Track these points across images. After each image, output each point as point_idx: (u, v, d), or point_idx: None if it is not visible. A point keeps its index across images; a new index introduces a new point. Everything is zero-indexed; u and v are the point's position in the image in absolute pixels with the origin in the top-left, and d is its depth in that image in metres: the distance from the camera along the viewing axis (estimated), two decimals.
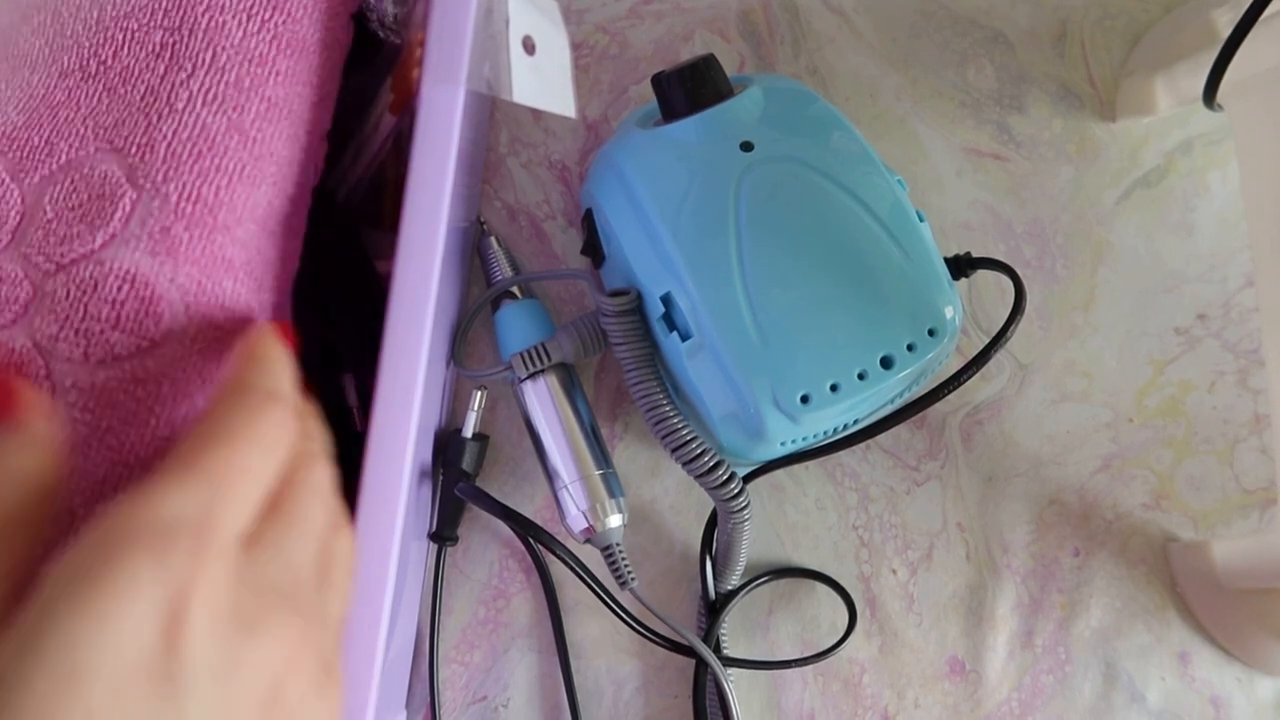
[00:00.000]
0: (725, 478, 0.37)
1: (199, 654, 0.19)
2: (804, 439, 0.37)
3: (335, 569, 0.25)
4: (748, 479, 0.41)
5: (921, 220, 0.38)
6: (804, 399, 0.35)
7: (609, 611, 0.41)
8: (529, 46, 0.30)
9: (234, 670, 0.20)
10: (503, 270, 0.43)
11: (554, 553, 0.40)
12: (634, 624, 0.41)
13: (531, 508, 0.43)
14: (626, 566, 0.40)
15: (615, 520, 0.40)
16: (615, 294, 0.37)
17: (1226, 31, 0.38)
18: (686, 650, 0.41)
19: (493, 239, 0.43)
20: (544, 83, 0.30)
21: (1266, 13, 0.37)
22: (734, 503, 0.38)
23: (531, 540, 0.42)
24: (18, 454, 0.22)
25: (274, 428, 0.23)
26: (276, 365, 0.25)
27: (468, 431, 0.41)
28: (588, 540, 0.40)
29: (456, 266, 0.39)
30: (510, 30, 0.29)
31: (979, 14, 0.47)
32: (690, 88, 0.38)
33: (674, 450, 0.37)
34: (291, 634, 0.22)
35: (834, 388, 0.35)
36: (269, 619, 0.21)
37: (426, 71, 0.29)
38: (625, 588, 0.40)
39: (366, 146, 0.38)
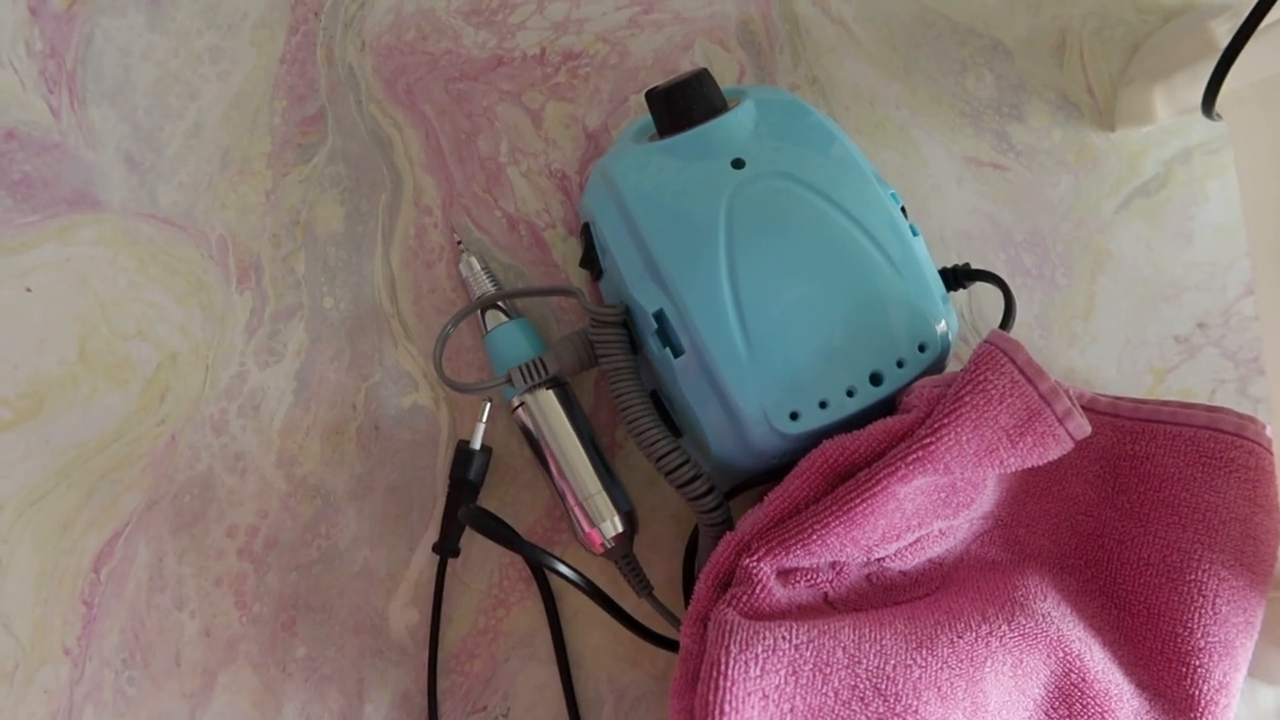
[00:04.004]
0: (704, 490, 0.37)
1: None
2: (794, 453, 0.37)
3: None
4: (740, 490, 0.41)
5: (915, 234, 0.38)
6: (793, 415, 0.35)
7: (610, 620, 0.41)
8: None
9: None
10: (484, 289, 0.43)
11: (566, 578, 0.38)
12: (649, 635, 0.41)
13: (532, 517, 0.43)
14: (643, 574, 0.40)
15: (629, 532, 0.40)
16: (599, 306, 0.38)
17: (1224, 41, 0.38)
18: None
19: (473, 259, 0.43)
20: None
21: (1264, 22, 0.37)
22: (712, 515, 0.38)
23: (543, 568, 0.41)
24: None
25: None
26: None
27: (476, 443, 0.41)
28: (604, 553, 0.40)
29: None
30: None
31: (978, 23, 0.47)
32: (682, 105, 0.38)
33: (656, 461, 0.37)
34: None
35: (823, 404, 0.35)
36: None
37: None
38: (643, 595, 0.40)
39: None
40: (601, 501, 0.40)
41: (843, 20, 0.47)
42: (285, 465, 0.43)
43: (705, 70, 0.39)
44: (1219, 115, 0.41)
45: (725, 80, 0.46)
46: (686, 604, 0.41)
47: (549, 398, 0.41)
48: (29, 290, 0.44)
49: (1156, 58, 0.46)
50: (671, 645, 0.41)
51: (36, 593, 0.42)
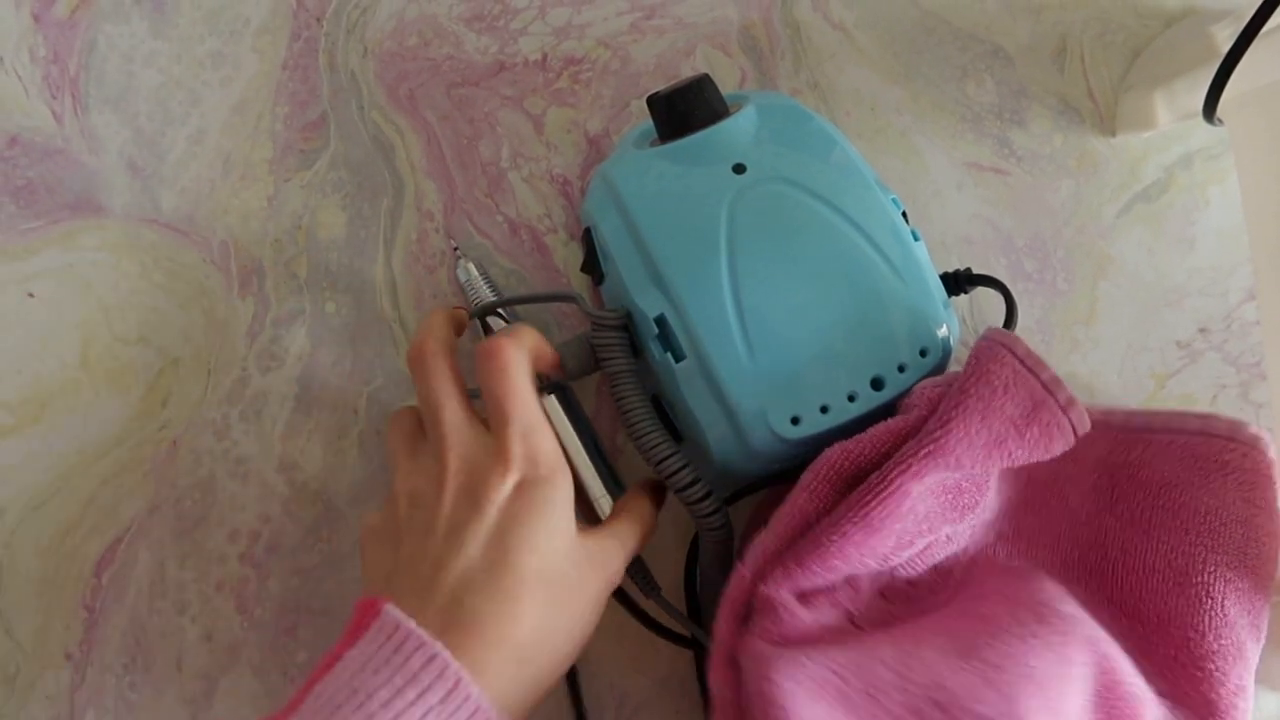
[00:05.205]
0: (701, 494, 0.37)
1: None
2: (795, 458, 0.37)
3: None
4: (739, 495, 0.41)
5: (917, 239, 0.38)
6: (794, 420, 0.35)
7: (613, 625, 0.41)
8: None
9: None
10: (483, 296, 0.43)
11: None
12: (661, 630, 0.41)
13: None
14: (650, 575, 0.40)
15: None
16: (600, 311, 0.38)
17: (1226, 46, 0.38)
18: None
19: (470, 265, 0.43)
20: None
21: (1265, 28, 0.37)
22: (710, 520, 0.38)
23: None
24: None
25: None
26: None
27: None
28: None
29: None
30: None
31: (979, 29, 0.47)
32: (683, 110, 0.38)
33: (655, 465, 0.37)
34: None
35: (824, 409, 0.35)
36: None
37: None
38: (651, 596, 0.40)
39: None
40: (605, 505, 0.39)
41: (844, 26, 0.47)
42: (287, 470, 0.43)
43: (707, 75, 0.39)
44: (1220, 120, 0.41)
45: (727, 85, 0.46)
46: (689, 610, 0.41)
47: (551, 402, 0.40)
48: (31, 296, 0.44)
49: (1158, 63, 0.46)
50: (682, 640, 0.41)
51: (38, 598, 0.42)
